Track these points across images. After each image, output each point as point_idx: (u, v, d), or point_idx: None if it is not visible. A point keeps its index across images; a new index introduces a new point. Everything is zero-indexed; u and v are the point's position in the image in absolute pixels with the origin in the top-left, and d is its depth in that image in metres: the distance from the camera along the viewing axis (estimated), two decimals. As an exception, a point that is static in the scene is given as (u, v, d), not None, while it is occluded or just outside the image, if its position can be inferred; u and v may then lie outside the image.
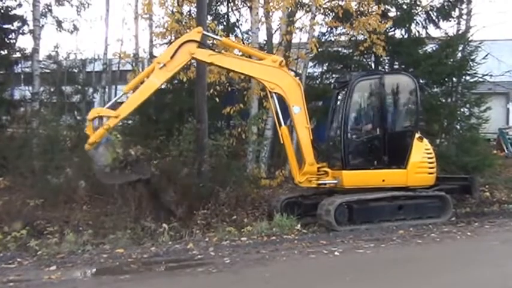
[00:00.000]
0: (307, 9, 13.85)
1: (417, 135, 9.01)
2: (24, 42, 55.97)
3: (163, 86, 14.77)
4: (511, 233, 8.24)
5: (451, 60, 12.99)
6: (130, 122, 14.49)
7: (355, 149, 9.00)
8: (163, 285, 5.56)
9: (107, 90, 20.52)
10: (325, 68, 15.52)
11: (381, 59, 13.79)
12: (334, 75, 14.51)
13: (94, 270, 6.09)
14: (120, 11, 53.78)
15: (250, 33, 14.04)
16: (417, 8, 14.17)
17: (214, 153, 9.53)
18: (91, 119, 7.96)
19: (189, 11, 13.46)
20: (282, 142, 8.62)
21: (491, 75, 13.55)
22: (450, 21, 14.57)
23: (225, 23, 15.36)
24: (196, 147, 9.41)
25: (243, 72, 9.12)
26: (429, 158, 8.98)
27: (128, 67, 16.85)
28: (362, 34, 13.02)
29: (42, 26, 16.37)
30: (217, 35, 11.68)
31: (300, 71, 13.74)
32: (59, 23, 19.10)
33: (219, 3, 15.72)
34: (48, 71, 21.12)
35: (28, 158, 10.09)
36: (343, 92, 9.32)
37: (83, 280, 5.68)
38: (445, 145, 12.71)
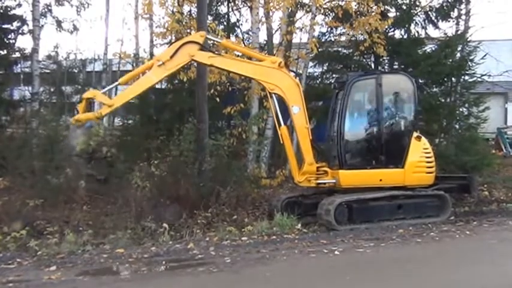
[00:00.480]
0: (308, 9, 13.90)
1: (415, 134, 9.04)
2: (24, 42, 55.83)
3: (163, 86, 14.89)
4: (510, 231, 8.28)
5: (450, 60, 13.03)
6: (130, 121, 14.54)
7: (352, 149, 9.04)
8: (164, 285, 5.56)
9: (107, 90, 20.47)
10: (325, 68, 15.56)
11: (381, 59, 13.82)
12: (334, 75, 14.54)
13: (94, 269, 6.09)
14: (120, 11, 53.62)
15: (250, 33, 14.09)
16: (416, 8, 14.21)
17: (215, 153, 9.54)
18: (86, 98, 8.15)
19: (190, 11, 13.48)
20: (282, 142, 8.68)
21: (489, 75, 13.60)
22: (449, 21, 14.63)
23: (225, 23, 15.38)
24: (196, 147, 9.44)
25: (242, 73, 9.20)
26: (427, 157, 9.01)
27: (128, 67, 16.82)
28: (362, 34, 13.05)
29: (42, 26, 16.39)
30: (217, 35, 11.71)
31: (301, 71, 13.79)
32: (59, 23, 19.09)
33: (219, 3, 15.75)
34: (48, 71, 21.13)
35: (28, 158, 10.06)
36: (342, 92, 9.38)
37: (83, 280, 5.66)
38: (444, 144, 12.75)
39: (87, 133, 8.08)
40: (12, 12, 15.43)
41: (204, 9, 10.37)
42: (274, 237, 7.61)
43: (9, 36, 15.64)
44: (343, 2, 13.00)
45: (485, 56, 13.10)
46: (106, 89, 8.91)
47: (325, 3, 13.37)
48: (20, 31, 15.72)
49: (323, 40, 14.73)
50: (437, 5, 14.35)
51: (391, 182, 8.69)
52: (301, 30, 13.76)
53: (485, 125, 13.18)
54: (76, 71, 23.10)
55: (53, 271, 5.85)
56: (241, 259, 6.35)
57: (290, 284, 5.47)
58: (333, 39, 15.13)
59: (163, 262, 6.40)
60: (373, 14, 12.62)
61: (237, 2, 15.87)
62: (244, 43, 14.66)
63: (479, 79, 13.18)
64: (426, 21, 14.49)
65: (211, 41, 9.46)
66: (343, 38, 14.89)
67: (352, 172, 8.66)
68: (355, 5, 12.95)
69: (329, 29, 14.66)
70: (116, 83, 9.24)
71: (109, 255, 6.61)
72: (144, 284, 5.54)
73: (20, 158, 9.92)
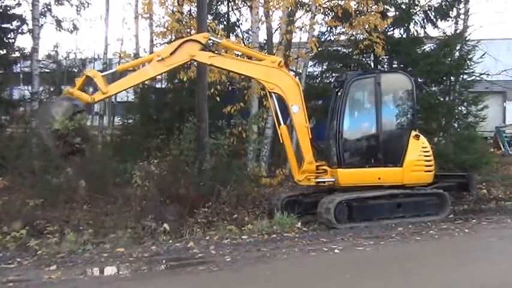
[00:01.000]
0: (307, 8, 13.93)
1: (414, 133, 9.06)
2: (24, 41, 55.86)
3: (163, 85, 14.92)
4: (508, 229, 8.29)
5: (449, 59, 13.04)
6: (130, 121, 14.57)
7: (351, 148, 9.06)
8: (164, 284, 5.55)
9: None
10: (325, 67, 15.61)
11: (380, 59, 13.85)
12: (334, 75, 14.58)
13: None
14: (120, 10, 53.55)
15: (250, 32, 14.12)
16: (416, 7, 14.25)
17: (215, 152, 9.56)
18: (86, 75, 8.13)
19: (190, 10, 13.51)
20: (281, 141, 8.70)
21: (488, 74, 13.64)
22: (448, 20, 14.68)
23: (225, 23, 15.41)
24: (196, 146, 9.46)
25: (242, 73, 9.23)
26: (426, 156, 9.03)
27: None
28: (361, 34, 13.07)
29: (42, 25, 16.39)
30: (217, 34, 11.73)
31: (300, 70, 13.81)
32: (59, 23, 19.09)
33: (219, 3, 15.78)
34: (47, 70, 21.12)
35: (27, 158, 10.09)
36: (341, 91, 9.41)
37: (83, 279, 5.66)
38: (443, 143, 12.78)
39: (70, 111, 7.75)
40: (12, 11, 15.46)
41: (204, 8, 10.39)
42: (274, 235, 7.62)
43: (9, 36, 15.66)
44: (343, 2, 13.02)
45: (483, 55, 13.14)
46: (105, 73, 8.87)
47: (325, 3, 13.40)
48: (20, 30, 15.75)
49: (323, 39, 14.78)
50: (436, 4, 14.41)
51: (389, 181, 8.72)
52: (300, 29, 13.80)
53: (484, 123, 13.20)
54: (76, 70, 23.07)
55: (53, 270, 5.85)
56: (241, 258, 6.37)
57: (290, 283, 5.48)
58: (332, 39, 15.16)
59: (164, 261, 6.42)
60: (372, 13, 12.64)
61: (237, 2, 15.90)
62: (244, 42, 14.68)
63: (477, 78, 13.21)
64: (425, 20, 14.53)
65: (211, 41, 9.48)
66: (342, 37, 14.93)
67: (351, 171, 8.69)
68: (355, 4, 12.97)
69: (329, 28, 14.70)
70: (114, 69, 9.27)
71: (109, 254, 6.61)
72: (145, 283, 5.55)
73: (20, 158, 9.94)
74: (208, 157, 9.48)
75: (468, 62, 12.82)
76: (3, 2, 15.23)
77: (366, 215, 8.49)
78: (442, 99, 13.36)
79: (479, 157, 12.13)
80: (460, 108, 13.24)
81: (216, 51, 8.69)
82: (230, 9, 15.91)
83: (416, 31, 14.47)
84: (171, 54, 8.15)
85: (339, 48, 15.33)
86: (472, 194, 10.47)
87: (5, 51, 15.41)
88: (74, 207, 8.92)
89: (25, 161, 9.86)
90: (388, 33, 13.85)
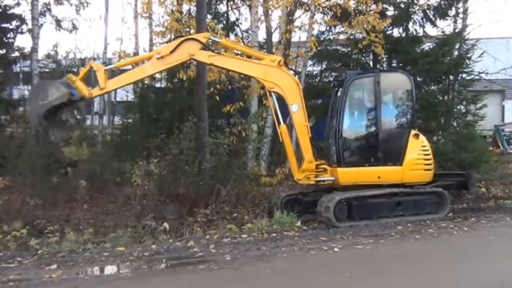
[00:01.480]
0: (306, 8, 13.94)
1: (413, 132, 9.08)
2: (23, 41, 55.87)
3: (163, 85, 14.92)
4: (507, 227, 8.34)
5: (448, 58, 13.07)
6: (130, 120, 14.58)
7: (350, 147, 9.07)
8: (165, 283, 5.57)
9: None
10: (324, 66, 15.61)
11: (379, 58, 13.87)
12: (333, 74, 14.60)
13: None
14: (120, 10, 53.62)
15: (249, 32, 14.12)
16: (414, 6, 14.25)
17: (215, 152, 9.56)
18: (91, 66, 8.27)
19: (189, 10, 13.51)
20: (281, 140, 8.71)
21: (487, 73, 13.68)
22: (447, 19, 14.66)
23: (224, 22, 15.40)
24: (196, 145, 9.46)
25: (242, 72, 9.26)
26: (425, 155, 9.05)
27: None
28: (360, 33, 13.09)
29: (41, 25, 16.42)
30: (216, 34, 11.74)
31: (300, 70, 13.81)
32: (58, 22, 19.15)
33: (218, 2, 15.77)
34: (47, 70, 21.15)
35: (28, 158, 10.10)
36: (341, 90, 9.43)
37: (84, 279, 5.69)
38: (442, 142, 12.82)
39: (65, 97, 7.93)
40: (11, 11, 15.51)
41: (204, 8, 10.38)
42: (274, 234, 7.64)
43: (8, 36, 15.67)
44: (342, 1, 13.01)
45: (482, 54, 13.19)
46: (109, 67, 8.92)
47: (324, 2, 13.38)
48: (19, 30, 15.78)
49: (322, 39, 14.78)
50: (435, 3, 14.41)
51: (389, 180, 8.74)
52: (300, 28, 13.83)
53: (483, 122, 13.26)
54: (75, 70, 23.07)
55: (53, 270, 5.86)
56: (241, 256, 6.39)
57: (290, 281, 5.50)
58: (331, 38, 15.16)
59: (164, 260, 6.44)
60: (371, 12, 12.65)
61: (236, 1, 15.89)
62: (243, 42, 14.68)
63: (476, 77, 13.27)
64: (424, 19, 14.53)
65: (210, 40, 9.49)
66: (341, 37, 14.93)
67: (351, 170, 8.71)
68: (354, 4, 12.98)
69: (328, 27, 14.70)
70: (112, 65, 9.28)
71: (110, 253, 6.63)
72: (145, 282, 5.57)
73: (20, 157, 9.94)
74: (208, 156, 9.48)
75: (467, 61, 12.87)
76: (2, 2, 15.28)
77: (366, 214, 8.51)
78: (441, 98, 13.40)
79: (478, 156, 12.16)
80: (459, 107, 13.29)
81: (215, 51, 8.70)
82: (229, 8, 15.92)
83: (415, 30, 14.48)
84: (171, 52, 8.19)
85: (338, 48, 15.34)
86: (471, 192, 10.49)
87: (4, 51, 15.44)
88: (74, 207, 8.91)
89: (25, 160, 9.86)
90: (387, 32, 13.85)
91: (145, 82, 15.18)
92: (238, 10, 16.25)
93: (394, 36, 14.19)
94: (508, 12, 40.25)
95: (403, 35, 14.26)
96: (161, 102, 13.89)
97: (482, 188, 11.66)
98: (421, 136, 9.20)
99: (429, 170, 9.07)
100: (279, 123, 8.66)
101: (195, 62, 10.26)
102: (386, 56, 13.94)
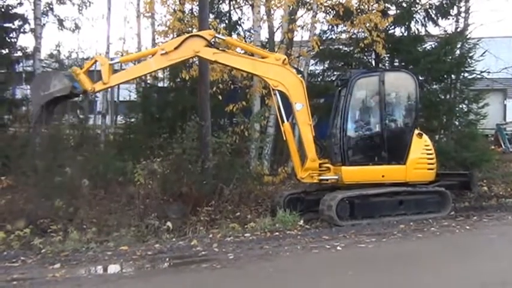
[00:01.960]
0: (309, 7, 13.94)
1: (416, 131, 9.10)
2: (26, 41, 55.85)
3: (165, 84, 14.93)
4: (509, 226, 8.36)
5: (450, 57, 13.06)
6: (133, 120, 14.61)
7: (355, 146, 9.06)
8: (168, 282, 5.60)
9: (109, 89, 20.52)
10: (326, 65, 15.58)
11: (381, 57, 13.86)
12: (335, 73, 14.58)
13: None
14: (122, 9, 53.69)
15: (252, 31, 14.12)
16: (416, 6, 14.21)
17: (218, 151, 9.58)
18: (95, 60, 8.26)
19: (191, 9, 13.52)
20: (284, 139, 8.70)
21: (489, 72, 13.64)
22: (449, 19, 14.60)
23: (226, 22, 15.39)
24: (199, 144, 9.46)
25: (246, 70, 9.20)
26: (428, 154, 9.06)
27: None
28: (362, 32, 13.08)
29: (44, 24, 16.43)
30: (219, 33, 11.75)
31: (302, 69, 13.82)
32: (61, 22, 19.13)
33: (220, 2, 15.74)
34: (50, 69, 21.15)
35: (31, 157, 10.13)
36: (345, 89, 9.44)
37: (87, 278, 5.72)
38: (444, 141, 12.83)
39: (66, 90, 7.89)
40: (14, 10, 15.47)
41: (206, 7, 10.38)
42: (277, 233, 7.66)
43: (11, 35, 15.64)
44: (344, 0, 13.01)
45: (484, 53, 13.17)
46: (113, 61, 8.89)
47: (326, 1, 13.38)
48: (22, 30, 15.74)
49: (324, 38, 14.76)
50: (437, 2, 14.35)
51: (393, 178, 8.73)
52: (302, 28, 13.78)
53: (485, 121, 13.26)
54: (78, 69, 23.07)
55: (57, 269, 5.90)
56: (244, 255, 6.41)
57: (293, 280, 5.51)
58: (333, 37, 15.14)
59: (167, 259, 6.47)
60: (373, 11, 12.65)
61: (238, 0, 15.87)
62: (245, 41, 14.67)
63: (478, 76, 13.24)
64: (426, 18, 14.48)
65: (215, 38, 9.48)
66: (344, 36, 14.91)
67: (355, 168, 8.71)
68: (356, 3, 12.97)
69: (330, 26, 14.67)
70: (117, 59, 9.27)
71: (113, 252, 6.66)
72: (148, 280, 5.59)
73: (23, 157, 9.97)
74: (210, 156, 9.50)
75: (469, 60, 12.87)
76: (5, 2, 15.27)
77: (368, 212, 8.52)
78: (443, 97, 13.41)
79: (480, 155, 12.17)
80: (461, 106, 13.29)
81: (220, 48, 8.66)
82: (232, 8, 15.89)
83: (417, 29, 14.43)
84: (176, 48, 8.14)
85: (340, 47, 15.32)
86: (473, 191, 10.49)
87: (7, 50, 15.42)
88: (78, 206, 8.94)
89: (28, 160, 9.89)
90: (389, 31, 13.84)
91: (148, 82, 15.24)
92: (241, 9, 16.24)
93: (396, 35, 14.17)
94: (510, 11, 40.18)
95: (405, 34, 14.25)
96: (164, 102, 13.91)
97: (484, 187, 11.64)
98: (424, 135, 9.21)
99: (432, 169, 9.07)
100: (283, 122, 8.66)
101: (197, 62, 10.26)
102: (388, 55, 13.94)
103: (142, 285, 5.42)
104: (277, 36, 14.32)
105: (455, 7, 14.45)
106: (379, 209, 8.60)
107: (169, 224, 7.84)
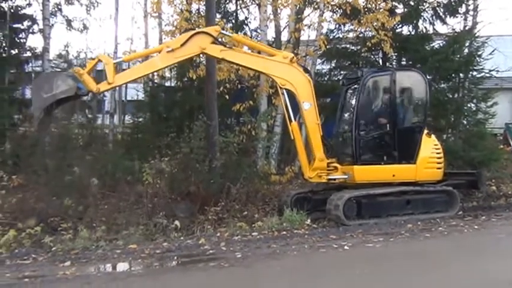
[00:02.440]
0: (316, 6, 13.92)
1: (425, 131, 9.08)
2: (35, 41, 56.25)
3: (173, 84, 14.98)
4: (517, 226, 8.31)
5: (458, 56, 12.99)
6: (141, 119, 14.69)
7: (366, 145, 9.01)
8: (176, 280, 5.63)
9: (117, 88, 20.63)
10: (333, 64, 15.55)
11: (389, 56, 13.81)
12: (342, 72, 14.53)
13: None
14: (130, 9, 53.80)
15: (258, 31, 14.12)
16: (424, 4, 14.14)
17: (225, 150, 9.60)
18: (99, 59, 8.19)
19: (198, 9, 13.53)
20: (292, 138, 8.67)
21: (497, 71, 13.52)
22: (457, 17, 14.52)
23: (233, 21, 15.41)
24: (206, 144, 9.48)
25: (254, 68, 9.12)
26: (437, 153, 9.06)
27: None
28: (370, 31, 13.05)
29: (52, 25, 16.45)
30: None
31: (309, 68, 13.80)
32: (69, 22, 19.22)
33: (227, 1, 15.76)
34: (58, 70, 21.27)
35: (41, 157, 10.22)
36: (353, 88, 9.42)
37: (97, 275, 5.78)
38: (452, 140, 12.77)
39: (71, 91, 7.62)
40: (23, 11, 15.65)
41: (213, 7, 10.37)
42: (284, 232, 7.67)
43: (20, 36, 15.83)
44: (351, -1, 12.99)
45: (493, 51, 13.07)
46: (117, 60, 8.83)
47: (333, 0, 13.36)
48: (31, 30, 15.92)
49: (331, 37, 14.72)
50: (445, 0, 14.28)
51: (403, 178, 8.71)
52: (309, 27, 13.76)
53: (493, 120, 13.18)
54: (86, 69, 23.16)
55: (67, 266, 5.96)
56: (252, 254, 6.43)
57: (300, 279, 5.52)
58: (340, 36, 15.10)
59: (175, 257, 6.51)
60: (381, 10, 12.62)
61: (245, 0, 15.89)
62: (252, 41, 14.71)
63: (487, 74, 13.12)
64: (434, 17, 14.40)
65: (222, 36, 9.49)
66: (351, 35, 14.86)
67: (367, 167, 8.68)
68: (363, 2, 12.93)
69: (337, 25, 14.63)
70: (120, 59, 9.20)
71: (122, 250, 6.71)
72: (156, 279, 5.63)
73: (33, 156, 10.07)
74: (218, 155, 9.52)
75: (477, 58, 12.80)
76: (14, 2, 15.42)
77: (375, 212, 8.52)
78: (451, 96, 13.34)
79: (488, 154, 12.11)
80: (469, 105, 13.22)
81: (227, 46, 8.55)
82: (238, 7, 15.90)
83: (425, 28, 14.35)
84: (182, 45, 7.99)
85: (347, 46, 15.28)
86: (481, 191, 10.45)
87: (16, 51, 15.58)
88: (87, 205, 9.01)
89: (38, 159, 9.99)
90: (397, 30, 13.78)
91: (156, 81, 15.31)
92: (247, 9, 16.24)
93: (403, 34, 14.10)
94: (517, 9, 39.77)
95: (413, 32, 14.18)
96: (171, 101, 13.97)
97: (493, 186, 11.58)
98: (432, 135, 9.19)
99: (440, 168, 9.06)
100: (290, 121, 8.62)
101: (204, 61, 10.25)
102: (395, 54, 13.89)
103: (150, 283, 5.46)
104: (284, 36, 14.33)
105: (463, 5, 14.36)
106: (387, 208, 8.59)
107: (177, 222, 7.87)
